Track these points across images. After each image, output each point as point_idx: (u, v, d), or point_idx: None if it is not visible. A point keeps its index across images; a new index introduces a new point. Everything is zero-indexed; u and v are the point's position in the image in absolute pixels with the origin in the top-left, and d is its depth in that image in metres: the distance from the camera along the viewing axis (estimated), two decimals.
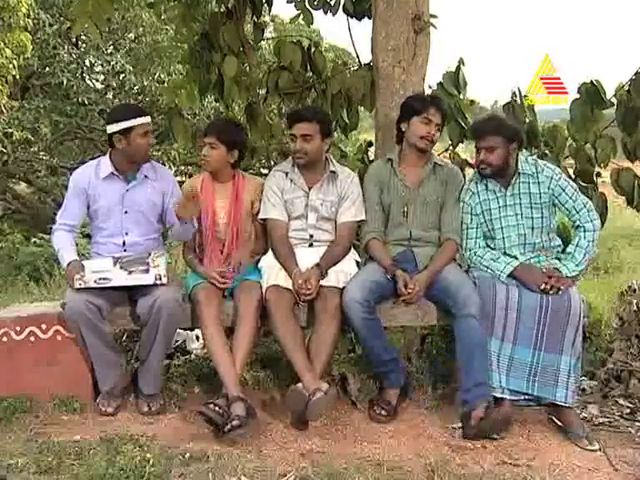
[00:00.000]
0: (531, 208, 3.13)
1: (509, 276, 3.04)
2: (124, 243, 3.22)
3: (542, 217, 3.14)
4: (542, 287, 2.96)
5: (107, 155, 3.24)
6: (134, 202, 3.22)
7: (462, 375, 2.97)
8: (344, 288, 3.05)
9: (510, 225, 3.14)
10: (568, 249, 3.12)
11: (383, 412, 3.05)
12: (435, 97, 3.35)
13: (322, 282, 3.09)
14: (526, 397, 3.00)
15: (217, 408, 2.81)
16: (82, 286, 2.99)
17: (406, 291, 3.03)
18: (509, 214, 3.15)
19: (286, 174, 3.30)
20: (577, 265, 3.05)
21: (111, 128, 3.14)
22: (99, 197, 3.20)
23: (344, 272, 3.15)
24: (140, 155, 3.18)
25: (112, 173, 3.19)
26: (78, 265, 3.06)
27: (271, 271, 3.16)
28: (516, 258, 3.10)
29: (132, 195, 3.22)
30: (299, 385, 2.84)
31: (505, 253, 3.13)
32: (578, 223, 3.12)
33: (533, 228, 3.14)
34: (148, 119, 3.19)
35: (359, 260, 3.31)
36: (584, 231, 3.10)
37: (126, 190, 3.21)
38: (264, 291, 3.09)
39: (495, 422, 2.85)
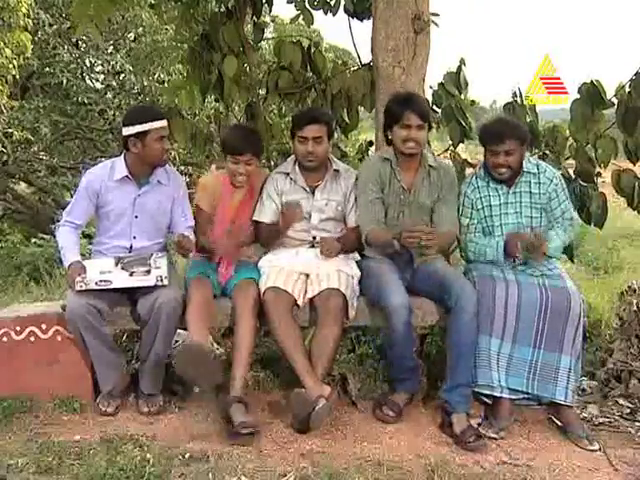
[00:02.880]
0: (531, 207, 3.16)
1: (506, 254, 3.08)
2: (131, 247, 3.22)
3: (540, 217, 3.17)
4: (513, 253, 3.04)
5: (122, 157, 3.21)
6: (145, 207, 3.20)
7: (448, 370, 2.98)
8: (381, 294, 3.01)
9: (509, 223, 3.16)
10: (549, 233, 3.15)
11: (391, 413, 3.04)
12: (409, 98, 3.22)
13: (323, 284, 3.09)
14: (526, 396, 3.01)
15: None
16: (83, 288, 2.99)
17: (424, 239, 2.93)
18: (509, 212, 3.17)
19: (286, 175, 3.30)
20: (553, 249, 3.11)
21: (127, 131, 3.11)
22: (111, 200, 3.18)
23: (345, 273, 3.15)
24: (155, 159, 3.16)
25: (126, 176, 3.17)
26: (80, 266, 3.05)
27: (270, 272, 3.16)
28: (515, 256, 3.11)
29: (144, 200, 3.20)
30: (303, 390, 2.83)
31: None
32: (557, 227, 3.19)
33: (532, 227, 3.15)
34: (164, 123, 3.15)
35: (359, 258, 3.31)
36: (564, 231, 3.18)
37: (138, 195, 3.20)
38: (262, 293, 3.08)
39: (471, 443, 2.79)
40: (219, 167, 3.57)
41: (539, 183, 3.16)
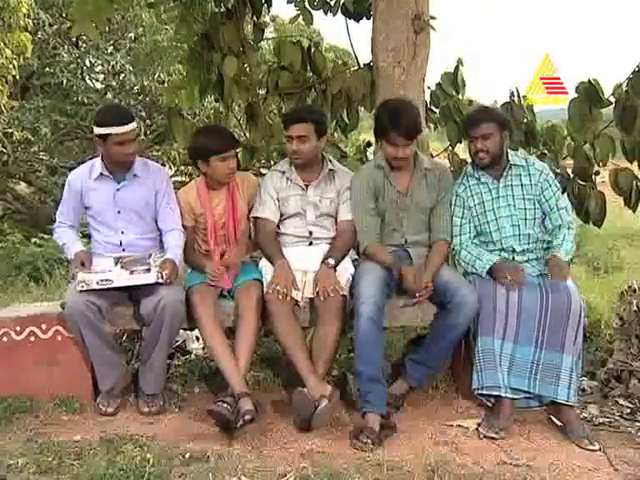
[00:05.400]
0: (523, 199, 3.18)
1: (488, 273, 3.08)
2: (121, 242, 3.23)
3: (534, 208, 3.18)
4: (505, 280, 3.01)
5: (100, 156, 3.24)
6: (126, 201, 3.22)
7: (423, 354, 3.12)
8: (353, 286, 3.04)
9: (503, 216, 3.18)
10: (555, 242, 3.13)
11: (369, 441, 2.75)
12: (397, 115, 3.07)
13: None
14: (527, 396, 3.01)
15: (226, 405, 2.82)
16: (84, 288, 2.99)
17: (417, 287, 3.03)
18: (502, 205, 3.19)
19: (283, 173, 3.32)
20: (567, 254, 3.08)
21: (95, 130, 3.14)
22: (93, 198, 3.22)
23: (344, 271, 3.15)
24: (118, 161, 3.16)
25: (101, 174, 3.20)
26: (87, 254, 3.13)
27: (271, 272, 3.14)
28: (513, 250, 3.14)
29: (123, 194, 3.22)
30: (305, 389, 2.83)
31: (502, 249, 3.16)
32: (559, 222, 3.16)
33: (526, 219, 3.17)
34: (127, 128, 3.08)
35: (356, 257, 3.31)
36: (568, 228, 3.15)
37: (117, 190, 3.21)
38: (264, 293, 3.08)
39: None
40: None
41: (529, 175, 3.19)
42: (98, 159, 3.25)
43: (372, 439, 2.76)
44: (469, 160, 3.50)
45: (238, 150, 3.51)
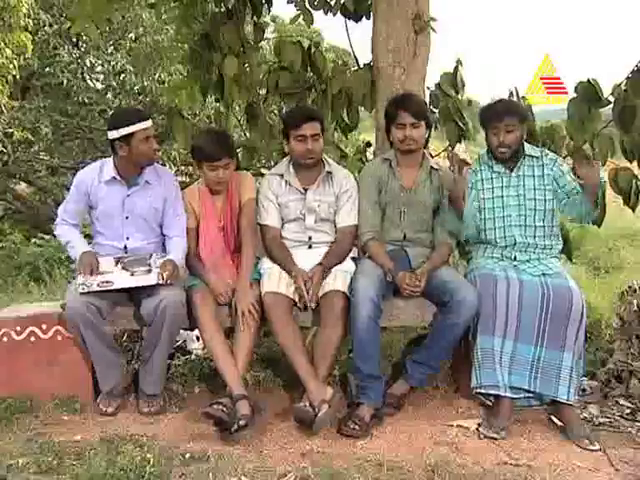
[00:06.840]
0: (534, 189, 3.18)
1: None
2: (125, 247, 3.22)
3: (545, 200, 3.17)
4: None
5: (111, 159, 3.21)
6: (135, 207, 3.20)
7: (423, 354, 3.10)
8: (351, 284, 3.03)
9: (511, 205, 3.18)
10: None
11: (357, 427, 2.85)
12: (403, 98, 3.29)
13: (327, 287, 3.08)
14: (528, 395, 3.01)
15: (222, 407, 2.82)
16: (85, 290, 2.99)
17: (409, 287, 3.05)
18: (511, 194, 3.19)
19: (281, 176, 3.30)
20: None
21: (112, 134, 3.10)
22: (100, 201, 3.19)
23: (342, 272, 3.15)
24: (143, 160, 3.16)
25: (114, 178, 3.18)
26: (93, 255, 3.09)
27: (271, 277, 3.14)
28: (514, 242, 3.14)
29: (133, 200, 3.20)
30: (304, 404, 2.83)
31: (503, 237, 3.16)
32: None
33: (535, 210, 3.17)
34: (149, 123, 3.14)
35: (355, 256, 3.32)
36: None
37: (127, 195, 3.19)
38: (262, 296, 3.07)
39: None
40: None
41: (542, 165, 3.19)
42: (108, 162, 3.22)
43: (361, 427, 2.84)
44: (469, 161, 3.50)
45: (238, 150, 3.49)
